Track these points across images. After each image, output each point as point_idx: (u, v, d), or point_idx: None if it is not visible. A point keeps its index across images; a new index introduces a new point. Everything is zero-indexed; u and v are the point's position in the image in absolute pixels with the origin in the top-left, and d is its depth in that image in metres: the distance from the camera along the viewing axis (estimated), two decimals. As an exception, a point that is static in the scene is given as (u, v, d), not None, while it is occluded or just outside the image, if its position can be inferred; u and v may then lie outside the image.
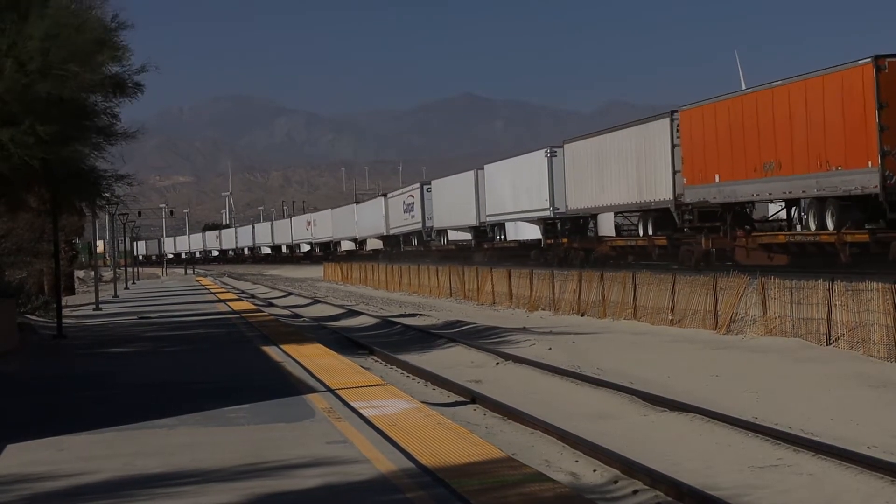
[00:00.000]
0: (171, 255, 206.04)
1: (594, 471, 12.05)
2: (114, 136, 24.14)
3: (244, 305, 43.52)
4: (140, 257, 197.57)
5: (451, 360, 24.06)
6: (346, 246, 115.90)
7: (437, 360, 24.29)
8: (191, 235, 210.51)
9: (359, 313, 41.63)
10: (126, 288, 73.40)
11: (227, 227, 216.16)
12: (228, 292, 61.26)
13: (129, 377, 19.16)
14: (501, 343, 26.78)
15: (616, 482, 11.47)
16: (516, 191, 63.64)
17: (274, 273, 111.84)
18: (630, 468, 11.68)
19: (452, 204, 77.42)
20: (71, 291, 59.59)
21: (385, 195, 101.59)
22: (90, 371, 20.60)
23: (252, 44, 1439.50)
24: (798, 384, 18.02)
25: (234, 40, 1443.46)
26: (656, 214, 47.64)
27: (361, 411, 13.46)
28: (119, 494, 9.44)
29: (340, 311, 44.51)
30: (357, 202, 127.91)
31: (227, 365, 20.51)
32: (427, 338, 29.61)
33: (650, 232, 48.20)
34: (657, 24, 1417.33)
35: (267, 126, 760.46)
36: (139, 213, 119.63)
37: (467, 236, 75.98)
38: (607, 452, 12.45)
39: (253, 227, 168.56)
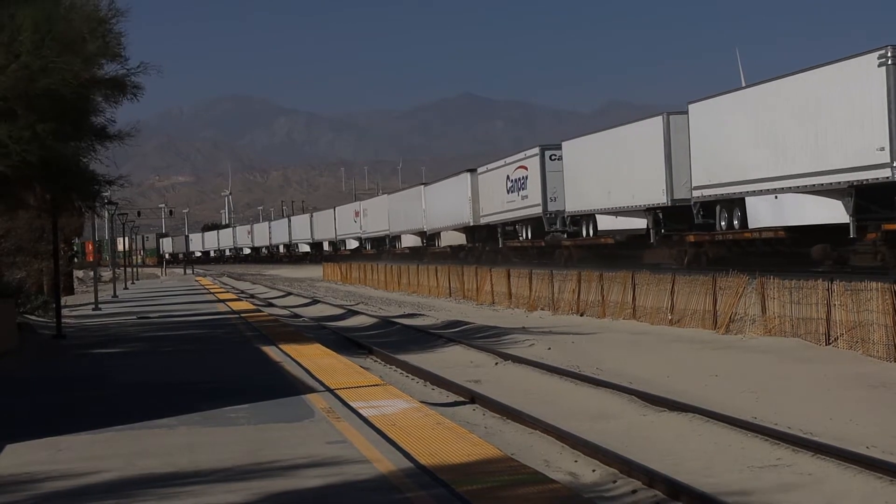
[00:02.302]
0: (198, 254, 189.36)
1: (593, 471, 12.04)
2: (108, 138, 24.00)
3: (243, 305, 43.52)
4: (166, 255, 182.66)
5: (451, 360, 24.05)
6: (409, 241, 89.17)
7: (437, 360, 24.28)
8: (220, 231, 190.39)
9: (358, 313, 41.62)
10: (125, 288, 73.39)
11: (226, 223, 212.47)
12: (227, 292, 61.24)
13: (129, 377, 19.15)
14: (501, 343, 26.78)
15: (615, 482, 11.47)
16: (780, 141, 37.09)
17: (273, 273, 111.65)
18: (629, 468, 11.68)
19: (607, 174, 50.08)
20: (70, 291, 59.58)
21: (473, 170, 72.84)
22: (89, 371, 20.59)
23: (252, 44, 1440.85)
24: (798, 384, 18.02)
25: (233, 40, 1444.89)
26: None
27: (361, 411, 13.46)
28: (119, 494, 9.43)
29: (340, 311, 44.49)
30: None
31: (226, 365, 20.50)
32: (426, 338, 29.61)
33: None
34: (657, 23, 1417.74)
35: (267, 126, 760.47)
36: (139, 213, 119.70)
37: (638, 223, 47.48)
38: (606, 452, 12.45)
39: (289, 221, 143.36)
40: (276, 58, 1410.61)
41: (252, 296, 60.69)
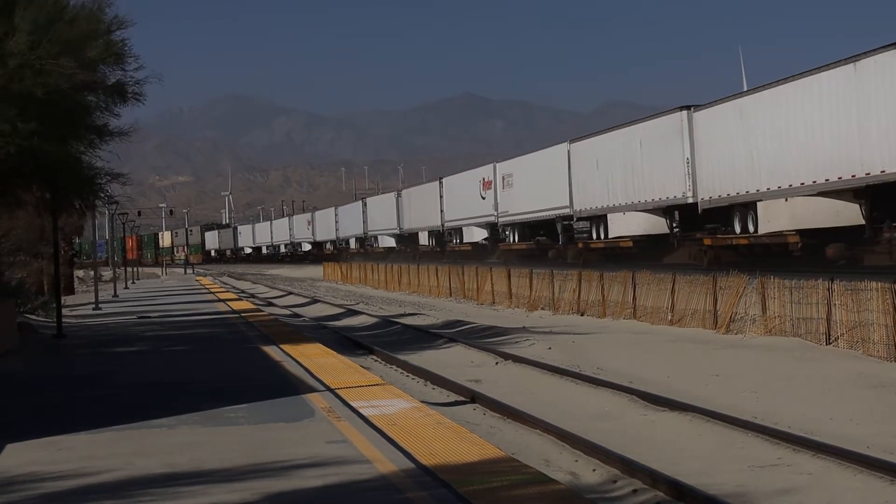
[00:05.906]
0: (248, 250, 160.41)
1: (594, 470, 12.04)
2: (108, 134, 24.00)
3: (244, 305, 43.51)
4: (212, 252, 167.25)
5: (451, 360, 24.05)
6: (633, 226, 48.82)
7: (437, 359, 24.28)
8: (273, 223, 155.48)
9: (358, 313, 41.61)
10: (126, 287, 73.40)
11: (226, 223, 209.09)
12: (228, 292, 61.23)
13: (129, 377, 19.15)
14: (501, 343, 26.76)
15: (616, 482, 11.47)
16: None
17: (273, 273, 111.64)
18: (630, 468, 11.68)
19: None
20: (71, 291, 59.58)
21: (854, 59, 32.96)
22: (90, 371, 20.59)
23: (251, 43, 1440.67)
24: (798, 384, 18.01)
25: (233, 40, 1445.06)
26: None
27: (361, 411, 13.46)
28: (118, 494, 9.43)
29: (340, 310, 44.48)
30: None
31: (226, 364, 20.51)
32: (427, 337, 29.61)
33: None
34: (656, 23, 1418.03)
35: (267, 126, 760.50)
36: (139, 213, 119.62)
37: None
38: (607, 452, 12.45)
39: (364, 205, 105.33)
40: (276, 58, 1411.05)
41: (252, 295, 60.69)
